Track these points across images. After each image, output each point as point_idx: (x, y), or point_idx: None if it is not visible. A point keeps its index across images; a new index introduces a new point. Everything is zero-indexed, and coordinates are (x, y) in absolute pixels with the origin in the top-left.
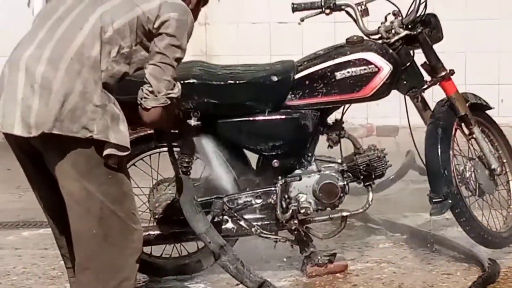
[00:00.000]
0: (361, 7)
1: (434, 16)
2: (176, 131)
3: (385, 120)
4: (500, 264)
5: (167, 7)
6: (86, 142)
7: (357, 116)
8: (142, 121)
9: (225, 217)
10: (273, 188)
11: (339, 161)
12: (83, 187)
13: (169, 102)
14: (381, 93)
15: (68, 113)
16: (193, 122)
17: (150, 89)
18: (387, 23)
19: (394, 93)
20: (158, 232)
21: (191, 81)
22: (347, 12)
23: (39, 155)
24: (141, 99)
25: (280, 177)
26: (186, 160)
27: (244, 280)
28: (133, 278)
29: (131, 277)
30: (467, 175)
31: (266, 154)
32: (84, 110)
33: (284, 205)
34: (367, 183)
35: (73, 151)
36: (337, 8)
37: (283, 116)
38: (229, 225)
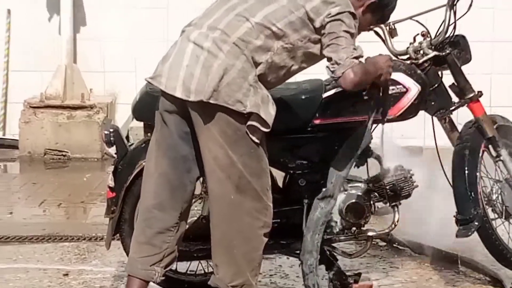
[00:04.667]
0: (390, 27)
1: (463, 37)
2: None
3: (409, 141)
4: None
5: (328, 4)
6: (237, 115)
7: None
8: (347, 90)
9: None
10: (299, 207)
11: (366, 180)
12: (227, 154)
13: (356, 62)
14: (409, 113)
15: (226, 86)
16: None
17: (332, 61)
18: (416, 44)
19: (419, 113)
20: (184, 248)
21: None
22: (376, 32)
23: (188, 120)
24: (332, 72)
25: (306, 196)
26: None
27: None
28: (261, 249)
29: (259, 248)
30: (494, 197)
31: (292, 172)
32: (240, 86)
33: None
34: (393, 204)
35: (224, 121)
36: None
37: (310, 135)
38: None
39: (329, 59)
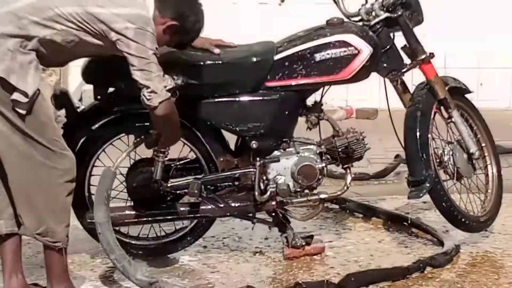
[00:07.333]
0: None
1: None
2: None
3: (364, 103)
4: (477, 248)
5: (123, 17)
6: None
7: (336, 98)
8: (157, 123)
9: (203, 198)
10: (251, 170)
11: (318, 143)
12: (4, 114)
13: (170, 94)
14: (361, 75)
15: None
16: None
17: (149, 90)
18: (368, 5)
19: (374, 75)
20: (135, 212)
21: (169, 62)
22: None
23: None
24: (147, 100)
25: (258, 159)
26: None
27: (130, 278)
28: (65, 196)
29: (62, 195)
30: (446, 158)
31: (244, 135)
32: None
33: (262, 187)
34: (346, 166)
35: None
36: None
37: (262, 97)
38: (207, 206)
39: (146, 87)
